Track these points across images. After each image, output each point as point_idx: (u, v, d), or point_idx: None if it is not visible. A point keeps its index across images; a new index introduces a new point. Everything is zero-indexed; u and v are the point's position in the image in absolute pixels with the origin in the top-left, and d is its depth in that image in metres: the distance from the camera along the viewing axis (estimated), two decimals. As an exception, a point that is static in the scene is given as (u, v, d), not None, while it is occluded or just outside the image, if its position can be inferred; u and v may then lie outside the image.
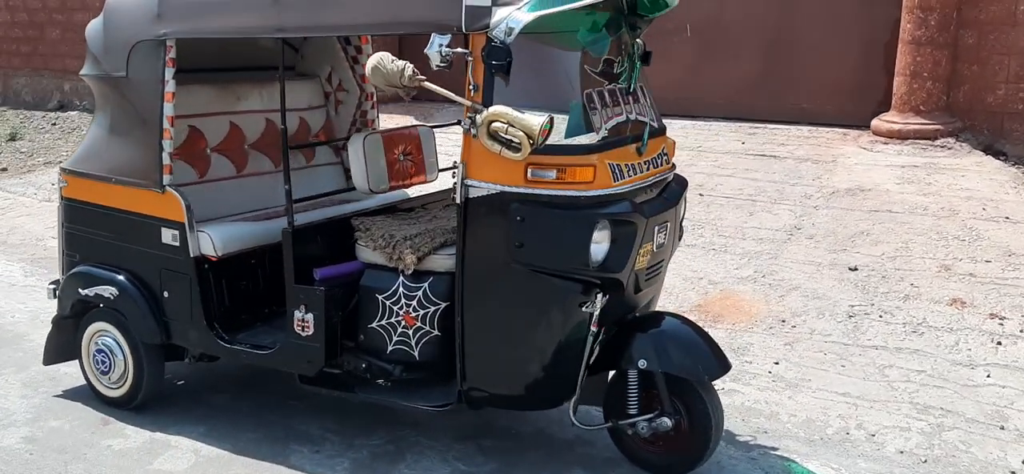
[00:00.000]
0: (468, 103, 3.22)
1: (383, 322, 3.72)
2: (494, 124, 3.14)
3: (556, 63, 3.54)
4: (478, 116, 3.18)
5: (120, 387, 4.17)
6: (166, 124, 3.85)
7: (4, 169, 9.78)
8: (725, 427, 4.10)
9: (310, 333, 3.69)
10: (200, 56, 4.28)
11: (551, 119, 3.14)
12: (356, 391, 3.75)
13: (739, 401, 4.38)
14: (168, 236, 3.92)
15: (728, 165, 7.46)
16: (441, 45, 3.17)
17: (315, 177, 4.66)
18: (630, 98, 3.64)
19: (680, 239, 3.93)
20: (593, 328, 3.41)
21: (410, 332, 3.67)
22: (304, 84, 4.76)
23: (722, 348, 3.66)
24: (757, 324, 5.16)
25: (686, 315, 5.13)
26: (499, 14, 3.19)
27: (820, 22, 8.26)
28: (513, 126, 3.11)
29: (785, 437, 4.05)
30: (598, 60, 3.56)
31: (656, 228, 3.54)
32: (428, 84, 3.25)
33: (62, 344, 4.32)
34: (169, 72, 3.84)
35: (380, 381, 3.74)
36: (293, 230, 3.72)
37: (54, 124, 11.67)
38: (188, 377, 4.57)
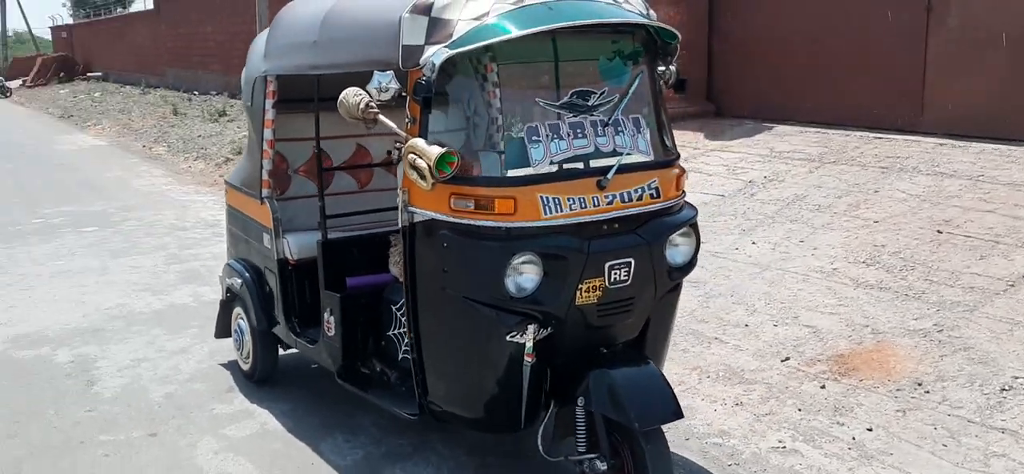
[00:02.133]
0: (403, 134, 3.45)
1: (395, 331, 4.07)
2: (410, 155, 3.34)
3: (516, 97, 3.56)
4: (403, 147, 3.41)
5: (247, 363, 5.01)
6: (265, 146, 4.58)
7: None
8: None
9: (332, 334, 4.17)
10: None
11: (453, 151, 3.25)
12: (367, 392, 4.13)
13: (790, 464, 3.96)
14: (266, 240, 4.64)
15: (996, 199, 6.39)
16: (380, 82, 3.43)
17: None
18: (608, 130, 3.55)
19: (673, 277, 3.69)
20: (528, 359, 3.42)
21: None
22: None
23: (675, 396, 3.41)
24: (886, 384, 4.52)
25: (821, 363, 4.71)
26: (428, 52, 3.37)
27: None
28: (421, 157, 3.29)
29: (802, 510, 3.62)
30: (565, 91, 3.54)
31: (608, 264, 3.42)
32: (382, 117, 3.53)
33: (224, 323, 5.27)
34: (268, 103, 4.55)
35: (397, 386, 4.09)
36: (325, 242, 4.22)
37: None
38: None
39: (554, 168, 3.43)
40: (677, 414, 3.39)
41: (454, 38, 3.35)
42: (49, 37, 53.25)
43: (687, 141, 9.71)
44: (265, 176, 4.60)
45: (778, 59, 10.03)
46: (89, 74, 37.55)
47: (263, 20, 19.83)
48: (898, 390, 4.45)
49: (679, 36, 3.72)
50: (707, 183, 8.10)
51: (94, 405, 4.80)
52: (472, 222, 3.33)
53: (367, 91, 3.43)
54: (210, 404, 4.77)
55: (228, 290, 5.10)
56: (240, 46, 19.84)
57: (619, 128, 3.58)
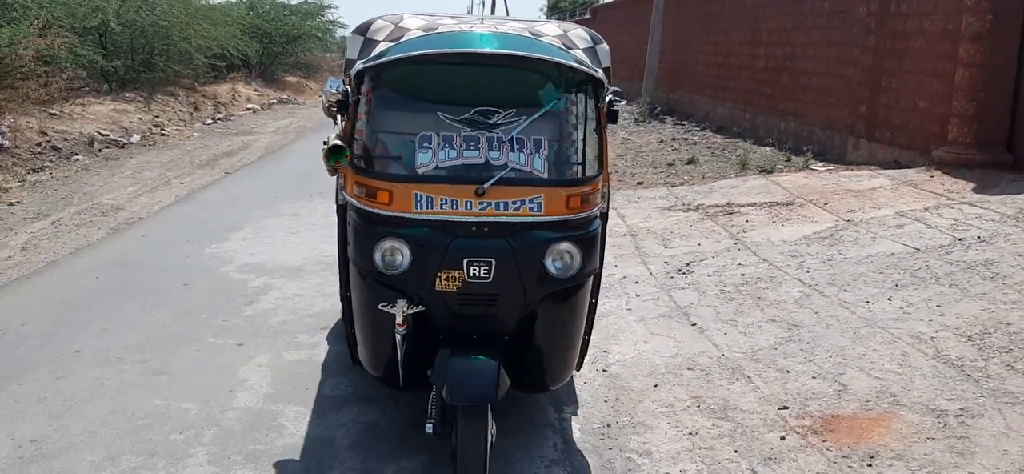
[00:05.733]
0: (339, 128, 4.26)
1: None
2: (325, 146, 4.15)
3: (422, 110, 4.16)
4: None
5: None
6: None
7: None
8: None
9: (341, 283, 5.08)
10: None
11: (338, 149, 3.99)
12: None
13: (665, 490, 4.08)
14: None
15: None
16: (330, 86, 4.28)
17: None
18: (504, 146, 4.02)
19: (548, 285, 4.00)
20: (399, 328, 4.04)
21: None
22: None
23: (495, 387, 3.78)
24: (842, 450, 4.28)
25: (812, 418, 4.69)
26: (356, 66, 4.15)
27: None
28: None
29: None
30: (469, 108, 4.07)
31: (467, 260, 3.90)
32: (338, 114, 4.37)
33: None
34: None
35: None
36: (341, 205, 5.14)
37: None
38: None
39: (441, 172, 4.01)
40: (485, 400, 3.77)
41: (371, 56, 4.10)
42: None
43: (950, 189, 8.96)
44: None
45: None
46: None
47: (655, 34, 21.05)
48: (843, 457, 4.22)
49: (599, 75, 4.06)
50: (917, 234, 7.53)
51: (232, 318, 6.24)
52: (363, 206, 4.04)
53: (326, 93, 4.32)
54: (299, 334, 5.95)
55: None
56: (639, 59, 21.22)
57: (516, 146, 4.02)
